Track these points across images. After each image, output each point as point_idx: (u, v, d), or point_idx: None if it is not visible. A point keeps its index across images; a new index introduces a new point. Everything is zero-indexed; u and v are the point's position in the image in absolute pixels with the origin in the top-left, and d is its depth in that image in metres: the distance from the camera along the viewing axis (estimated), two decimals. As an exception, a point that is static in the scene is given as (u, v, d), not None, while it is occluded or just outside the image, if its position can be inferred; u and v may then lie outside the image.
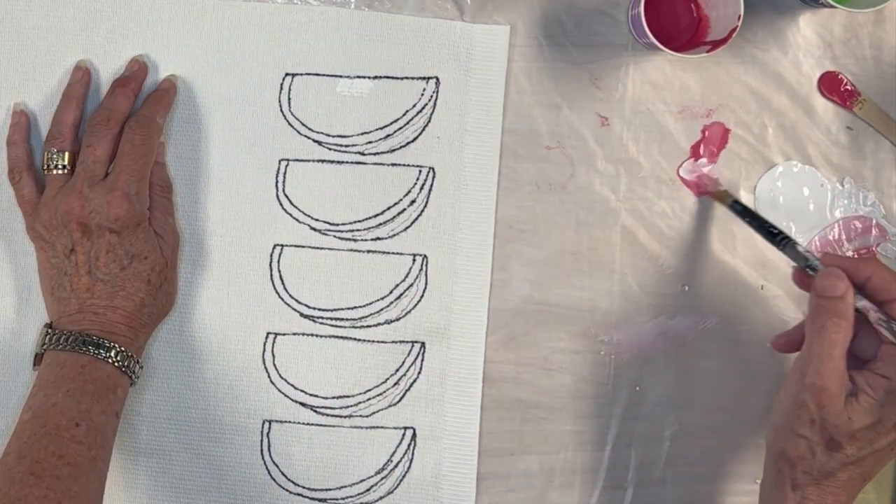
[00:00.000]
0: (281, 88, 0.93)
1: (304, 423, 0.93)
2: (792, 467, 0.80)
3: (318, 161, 0.93)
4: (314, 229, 0.93)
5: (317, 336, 0.93)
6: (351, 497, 0.93)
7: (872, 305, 0.79)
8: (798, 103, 0.97)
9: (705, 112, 0.96)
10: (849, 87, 0.96)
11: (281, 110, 0.93)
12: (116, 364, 0.84)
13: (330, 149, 0.93)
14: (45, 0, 0.91)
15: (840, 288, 0.79)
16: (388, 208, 0.93)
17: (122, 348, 0.84)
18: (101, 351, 0.83)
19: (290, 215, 0.93)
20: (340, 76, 0.93)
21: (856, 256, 0.96)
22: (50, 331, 0.85)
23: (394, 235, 0.94)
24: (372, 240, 0.93)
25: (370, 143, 0.93)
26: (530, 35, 0.95)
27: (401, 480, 0.93)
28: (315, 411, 0.93)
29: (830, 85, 0.96)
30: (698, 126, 0.96)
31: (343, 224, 0.93)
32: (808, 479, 0.79)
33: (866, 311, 0.79)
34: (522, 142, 0.95)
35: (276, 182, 0.93)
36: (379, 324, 0.94)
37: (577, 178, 0.95)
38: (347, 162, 0.93)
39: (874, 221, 0.97)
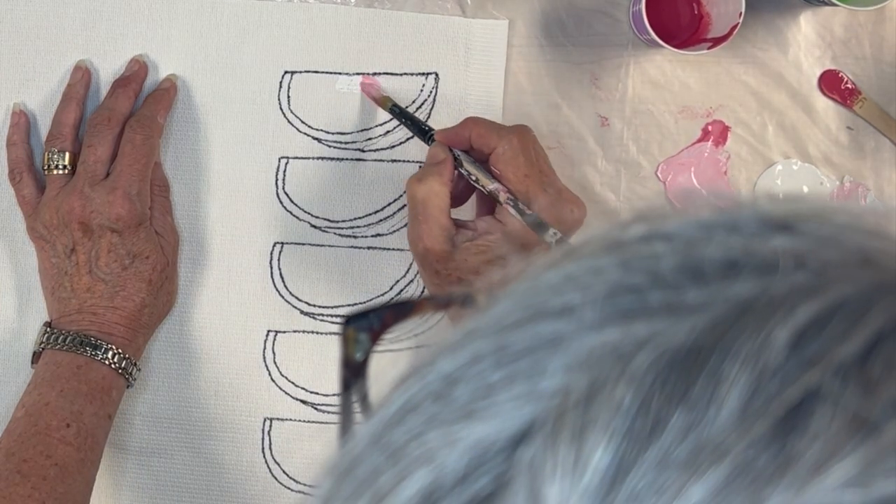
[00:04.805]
0: (280, 86, 0.91)
1: (304, 421, 0.91)
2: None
3: (318, 158, 0.92)
4: (314, 226, 0.92)
5: (317, 333, 0.92)
6: (352, 496, 0.91)
7: (503, 187, 0.80)
8: (798, 102, 0.95)
9: (706, 112, 0.94)
10: (849, 86, 0.95)
11: (280, 108, 0.91)
12: (113, 366, 0.83)
13: (330, 146, 0.92)
14: (45, 0, 0.90)
15: (439, 155, 0.82)
16: (389, 204, 0.92)
17: (119, 350, 0.83)
18: (98, 352, 0.82)
19: (290, 213, 0.91)
20: (340, 73, 0.91)
21: None
22: (49, 330, 0.84)
23: (394, 232, 0.92)
24: (372, 236, 0.92)
25: (370, 139, 0.92)
26: (530, 34, 0.93)
27: (402, 479, 0.91)
28: (316, 409, 0.92)
29: (831, 83, 0.95)
30: (699, 126, 0.95)
31: (343, 221, 0.92)
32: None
33: (497, 193, 0.80)
34: (523, 141, 0.93)
35: (276, 180, 0.91)
36: (380, 321, 0.92)
37: (577, 178, 0.94)
38: (347, 159, 0.92)
39: (875, 220, 0.95)
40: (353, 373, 0.43)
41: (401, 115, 0.90)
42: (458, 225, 0.82)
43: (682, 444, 0.25)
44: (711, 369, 0.26)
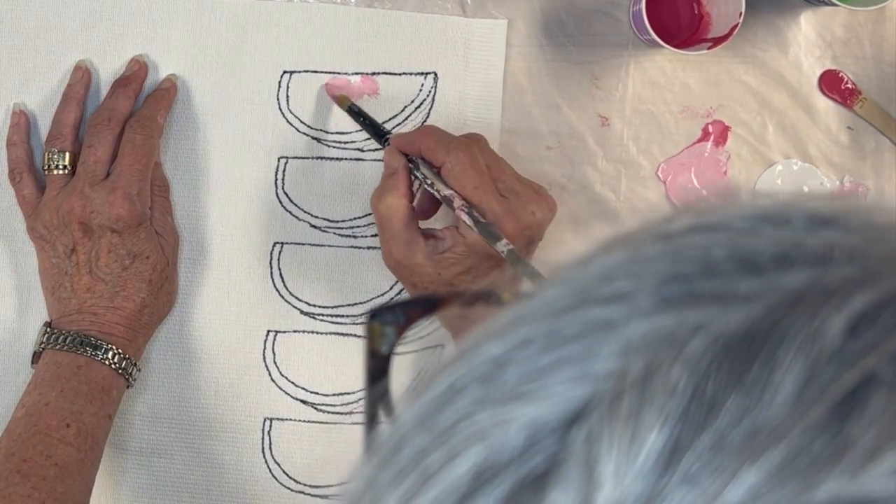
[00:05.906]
0: (279, 86, 0.91)
1: (305, 421, 0.91)
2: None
3: (318, 158, 0.91)
4: (314, 226, 0.91)
5: (317, 333, 0.91)
6: (352, 495, 0.91)
7: (457, 194, 0.80)
8: (798, 102, 0.95)
9: (706, 112, 0.94)
10: (849, 86, 0.94)
11: (279, 108, 0.91)
12: (113, 366, 0.82)
13: (329, 146, 0.91)
14: (45, 0, 0.89)
15: (393, 165, 0.83)
16: (388, 204, 0.91)
17: (119, 350, 0.83)
18: (98, 352, 0.82)
19: (290, 213, 0.91)
20: (339, 73, 0.91)
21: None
22: (49, 330, 0.84)
23: (393, 231, 0.91)
24: (372, 236, 0.91)
25: (369, 139, 0.91)
26: (530, 34, 0.93)
27: (402, 479, 0.91)
28: (316, 409, 0.91)
29: (831, 83, 0.94)
30: (699, 126, 0.94)
31: (343, 221, 0.91)
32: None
33: (452, 199, 0.80)
34: (522, 142, 0.93)
35: (276, 179, 0.91)
36: (380, 321, 0.91)
37: (577, 178, 0.93)
38: (347, 159, 0.91)
39: (875, 219, 0.95)
40: (379, 366, 0.43)
41: (359, 115, 0.89)
42: (428, 235, 0.82)
43: (737, 428, 0.25)
44: (766, 355, 0.26)
